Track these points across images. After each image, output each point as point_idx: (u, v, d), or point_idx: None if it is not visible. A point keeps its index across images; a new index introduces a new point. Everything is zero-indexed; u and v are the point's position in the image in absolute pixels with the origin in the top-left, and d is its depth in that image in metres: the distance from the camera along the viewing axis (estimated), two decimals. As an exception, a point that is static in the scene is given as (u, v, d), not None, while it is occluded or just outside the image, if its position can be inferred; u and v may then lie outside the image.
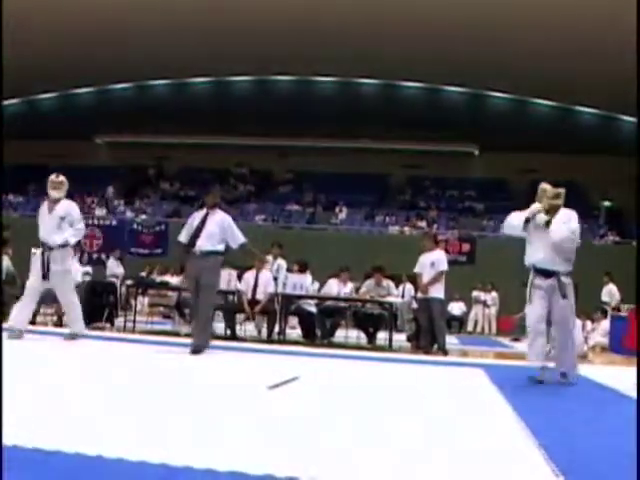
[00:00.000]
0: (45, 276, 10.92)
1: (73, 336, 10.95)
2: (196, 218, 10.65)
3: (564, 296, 8.14)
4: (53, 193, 11.08)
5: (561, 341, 8.49)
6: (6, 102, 42.83)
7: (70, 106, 43.13)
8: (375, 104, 39.39)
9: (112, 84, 41.93)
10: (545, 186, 8.40)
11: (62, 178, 11.17)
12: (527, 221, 8.34)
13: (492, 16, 29.61)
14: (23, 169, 39.84)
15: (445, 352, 13.14)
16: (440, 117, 38.31)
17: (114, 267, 20.95)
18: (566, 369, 8.41)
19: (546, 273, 8.29)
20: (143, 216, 35.19)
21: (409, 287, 19.49)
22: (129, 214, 35.85)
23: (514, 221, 8.53)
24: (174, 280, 16.53)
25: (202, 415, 4.86)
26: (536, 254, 8.35)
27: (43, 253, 11.01)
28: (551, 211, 8.23)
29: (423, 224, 33.96)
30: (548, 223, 8.21)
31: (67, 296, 11.18)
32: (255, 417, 4.92)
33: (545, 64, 31.67)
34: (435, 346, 13.43)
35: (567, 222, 8.22)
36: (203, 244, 10.31)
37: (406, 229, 34.04)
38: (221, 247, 10.52)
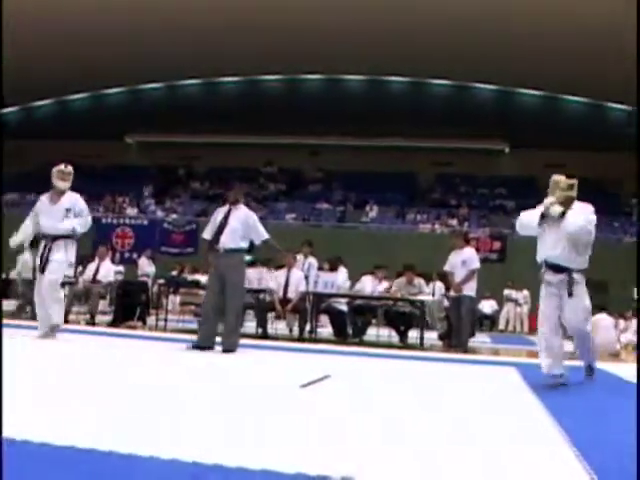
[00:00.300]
0: (44, 269, 10.37)
1: (53, 329, 10.42)
2: (219, 215, 10.59)
3: (570, 294, 7.73)
4: (60, 184, 10.52)
5: (577, 343, 8.51)
6: (38, 103, 43.22)
7: (101, 106, 43.34)
8: (404, 102, 39.26)
9: (143, 84, 42.06)
10: (558, 178, 8.06)
11: (70, 169, 10.64)
12: (542, 217, 7.95)
13: (521, 13, 29.47)
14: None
15: (465, 350, 13.07)
16: (470, 114, 38.13)
17: (145, 266, 21.07)
18: (589, 361, 8.53)
19: (558, 268, 7.88)
20: (174, 215, 35.33)
21: (439, 285, 19.45)
22: (160, 214, 36.01)
23: (528, 220, 8.17)
24: (205, 279, 16.57)
25: (234, 414, 4.86)
26: (548, 249, 7.94)
27: (45, 245, 10.45)
28: (565, 203, 7.85)
29: (454, 222, 33.87)
30: (563, 213, 7.82)
31: (47, 290, 10.42)
32: (287, 416, 4.91)
33: (575, 61, 31.47)
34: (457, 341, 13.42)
35: (583, 215, 7.83)
36: (227, 241, 10.26)
37: (437, 227, 33.98)
38: (244, 244, 10.47)
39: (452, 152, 39.47)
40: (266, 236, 10.63)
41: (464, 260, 13.46)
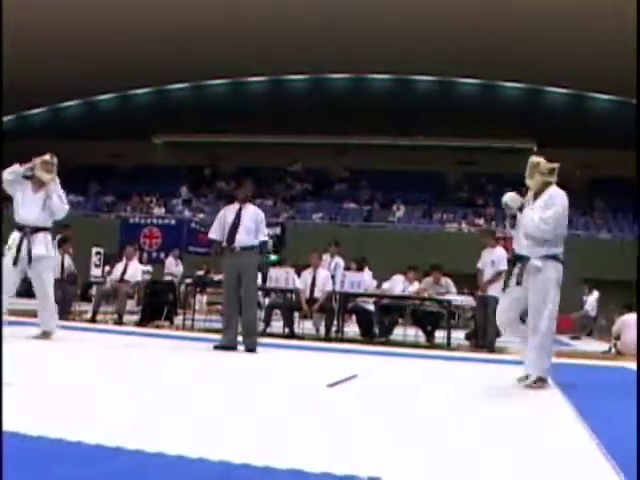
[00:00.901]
0: (28, 262, 9.69)
1: (47, 334, 9.99)
2: (229, 213, 10.50)
3: (518, 283, 7.22)
4: (45, 175, 9.78)
5: (528, 342, 7.42)
6: (66, 103, 43.49)
7: (129, 106, 43.55)
8: (431, 101, 39.16)
9: (170, 84, 42.19)
10: (537, 160, 7.56)
11: (55, 160, 9.93)
12: (513, 217, 7.50)
13: (551, 12, 29.33)
14: (83, 169, 40.40)
15: (492, 350, 12.99)
16: (497, 113, 37.98)
17: (172, 266, 21.13)
18: (529, 368, 7.37)
19: (519, 258, 7.42)
20: (201, 215, 35.43)
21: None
22: (187, 213, 36.13)
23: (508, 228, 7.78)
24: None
25: (261, 413, 4.87)
26: (515, 242, 7.57)
27: (23, 236, 9.70)
28: (540, 188, 7.41)
29: (481, 221, 33.75)
30: (520, 209, 7.41)
31: (47, 288, 10.14)
32: (314, 415, 4.92)
33: (605, 58, 31.27)
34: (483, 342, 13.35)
35: (548, 206, 7.28)
36: (243, 239, 10.21)
37: (464, 226, 33.88)
38: (257, 241, 10.43)
39: (479, 151, 39.34)
40: (265, 238, 10.65)
41: (493, 260, 13.37)
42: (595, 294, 23.88)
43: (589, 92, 38.95)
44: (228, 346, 9.94)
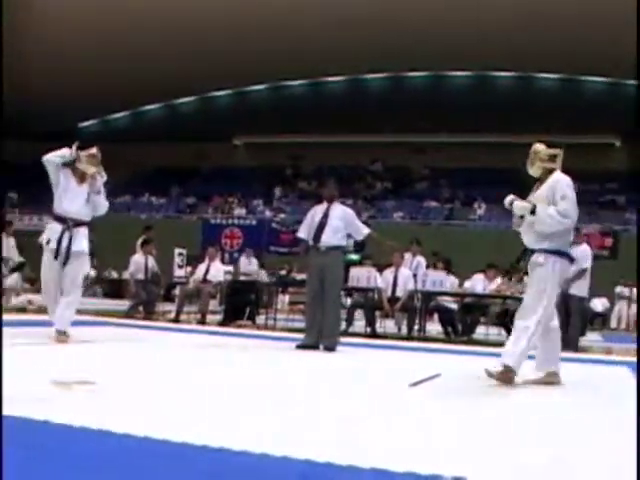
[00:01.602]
0: (66, 257, 9.16)
1: (62, 335, 9.08)
2: (317, 212, 10.48)
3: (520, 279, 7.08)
4: (90, 168, 9.25)
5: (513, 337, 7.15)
6: (148, 107, 44.10)
7: (209, 108, 43.94)
8: (511, 97, 38.74)
9: (249, 85, 42.45)
10: (538, 147, 7.29)
11: (100, 155, 9.38)
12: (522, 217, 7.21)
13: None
14: (164, 171, 40.96)
15: (576, 349, 12.72)
16: (578, 108, 37.41)
17: (246, 265, 21.26)
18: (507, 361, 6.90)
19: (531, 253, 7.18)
20: (282, 215, 35.63)
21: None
22: (268, 213, 36.36)
23: (515, 227, 7.50)
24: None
25: (343, 412, 4.87)
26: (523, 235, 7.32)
27: (66, 230, 9.19)
28: (543, 176, 7.22)
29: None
30: (533, 212, 7.04)
31: (79, 284, 9.51)
32: (396, 415, 4.91)
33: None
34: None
35: (553, 194, 7.04)
36: (328, 239, 10.18)
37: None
38: (344, 242, 10.45)
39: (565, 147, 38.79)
40: (366, 230, 10.60)
41: (577, 257, 13.11)
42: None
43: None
44: (310, 345, 9.97)
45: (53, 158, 9.08)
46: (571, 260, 7.32)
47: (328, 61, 36.47)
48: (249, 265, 21.34)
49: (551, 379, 7.16)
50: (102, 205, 9.56)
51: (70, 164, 9.15)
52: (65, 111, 38.91)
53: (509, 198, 7.45)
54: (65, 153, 9.13)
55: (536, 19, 30.71)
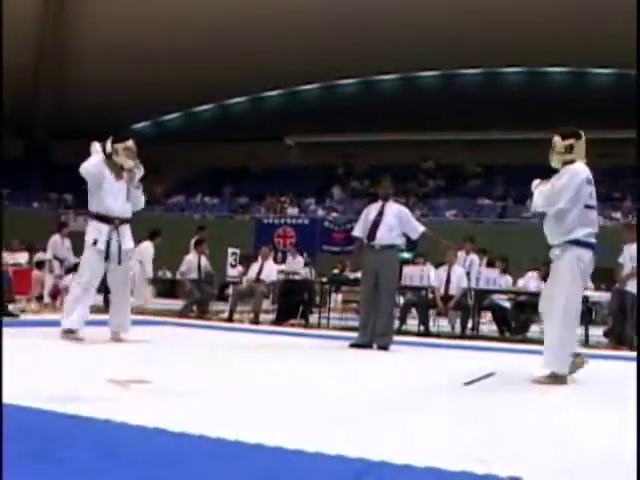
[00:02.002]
0: (118, 258, 8.95)
1: (119, 335, 9.03)
2: (372, 211, 10.44)
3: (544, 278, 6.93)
4: (128, 162, 9.04)
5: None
6: (201, 108, 44.40)
7: (261, 108, 44.11)
8: (565, 92, 38.37)
9: (300, 85, 42.54)
10: (554, 139, 7.29)
11: (136, 148, 9.15)
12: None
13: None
14: (217, 172, 41.17)
15: (631, 347, 12.54)
16: (636, 103, 36.95)
17: (292, 264, 21.30)
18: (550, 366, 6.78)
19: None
20: (334, 214, 35.64)
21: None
22: (320, 213, 36.40)
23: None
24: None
25: (398, 411, 4.87)
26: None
27: (114, 229, 8.95)
28: (561, 168, 7.18)
29: (618, 215, 32.91)
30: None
31: (128, 282, 9.57)
32: (450, 414, 4.88)
33: None
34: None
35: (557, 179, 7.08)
36: (383, 237, 10.14)
37: (601, 220, 33.09)
38: (399, 240, 10.38)
39: (618, 143, 38.26)
40: (422, 229, 10.52)
41: (632, 255, 12.97)
42: None
43: None
44: (364, 344, 9.96)
45: (92, 169, 8.85)
46: (593, 249, 7.07)
47: (379, 60, 36.44)
48: (295, 264, 21.41)
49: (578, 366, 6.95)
50: (140, 200, 9.37)
51: (110, 156, 8.96)
52: (119, 113, 39.31)
53: (535, 182, 7.49)
54: (98, 159, 8.94)
55: (584, 11, 30.42)
